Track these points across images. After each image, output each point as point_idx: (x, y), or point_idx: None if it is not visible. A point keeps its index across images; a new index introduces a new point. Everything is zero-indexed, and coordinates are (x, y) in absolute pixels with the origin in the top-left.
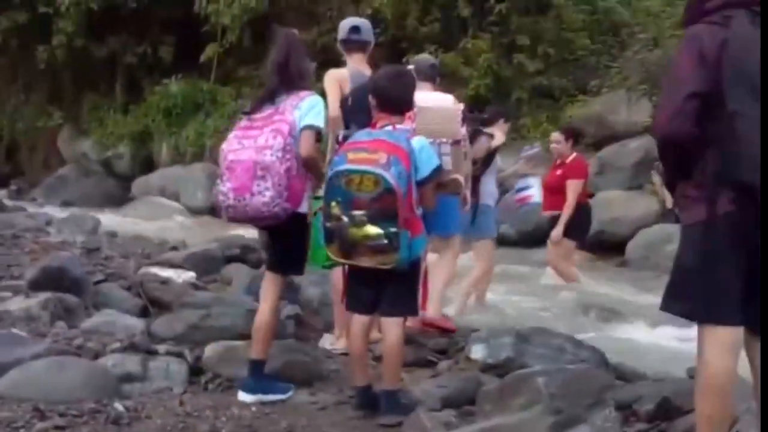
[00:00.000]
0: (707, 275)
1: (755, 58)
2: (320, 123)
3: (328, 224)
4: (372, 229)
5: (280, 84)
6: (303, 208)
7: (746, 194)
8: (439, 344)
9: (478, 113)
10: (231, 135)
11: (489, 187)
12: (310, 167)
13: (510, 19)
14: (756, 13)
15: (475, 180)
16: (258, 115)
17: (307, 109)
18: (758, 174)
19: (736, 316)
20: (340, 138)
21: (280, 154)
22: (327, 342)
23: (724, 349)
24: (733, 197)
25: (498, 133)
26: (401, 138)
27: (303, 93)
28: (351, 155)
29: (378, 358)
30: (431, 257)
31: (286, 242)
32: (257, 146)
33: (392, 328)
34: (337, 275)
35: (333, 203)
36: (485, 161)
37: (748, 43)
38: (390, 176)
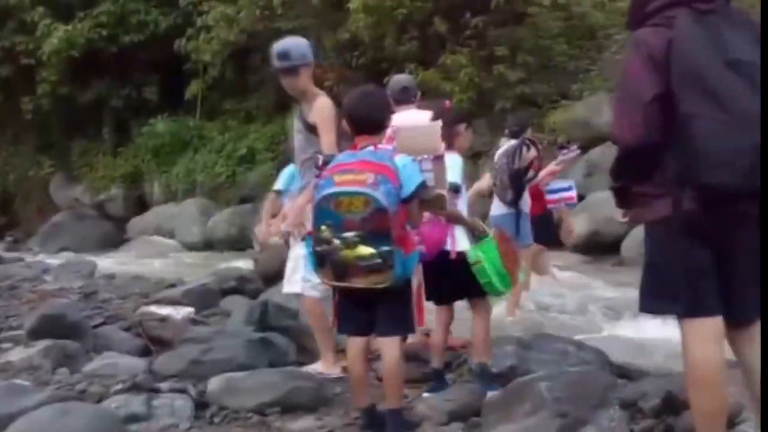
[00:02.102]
0: (679, 269)
1: (702, 56)
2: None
3: (318, 248)
4: (365, 249)
5: None
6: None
7: (708, 194)
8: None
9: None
10: None
11: (525, 195)
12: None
13: (487, 31)
14: (699, 11)
15: (521, 189)
16: None
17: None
18: (719, 172)
19: (715, 307)
20: (320, 162)
21: None
22: (318, 368)
23: (708, 340)
24: (695, 196)
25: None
26: (385, 157)
27: None
28: (337, 177)
29: (381, 378)
30: None
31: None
32: None
33: (390, 347)
34: (309, 302)
35: (323, 227)
36: (527, 170)
37: (693, 42)
38: (379, 195)
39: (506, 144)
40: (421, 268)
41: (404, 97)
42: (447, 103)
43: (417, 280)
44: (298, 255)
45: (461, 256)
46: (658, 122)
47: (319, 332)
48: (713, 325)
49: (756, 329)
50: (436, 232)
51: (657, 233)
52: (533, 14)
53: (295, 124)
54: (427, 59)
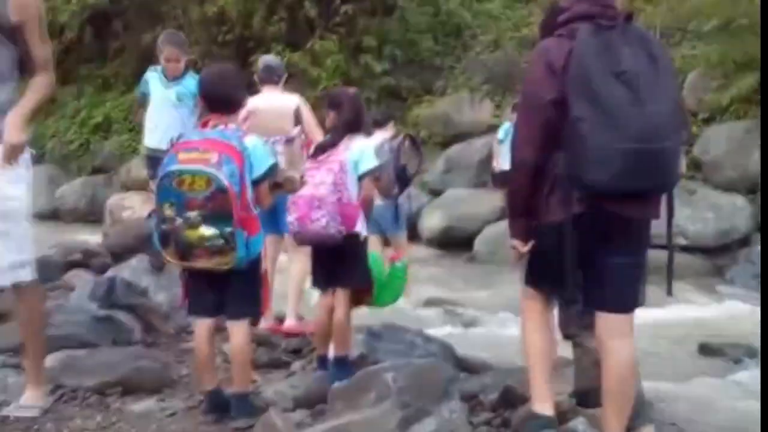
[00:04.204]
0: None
1: (597, 66)
2: (373, 165)
3: (163, 227)
4: (207, 230)
5: (344, 135)
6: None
7: (593, 193)
8: (292, 345)
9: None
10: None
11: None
12: (368, 205)
13: (356, 20)
14: (600, 26)
15: (407, 184)
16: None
17: (359, 155)
18: (596, 170)
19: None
20: (174, 140)
21: (332, 188)
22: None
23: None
24: (582, 197)
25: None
26: (233, 137)
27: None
28: (182, 155)
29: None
30: (282, 258)
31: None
32: (315, 183)
33: (238, 330)
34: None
35: (166, 205)
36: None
37: (588, 53)
38: (222, 175)
39: (382, 140)
40: (312, 250)
41: (268, 77)
42: (351, 90)
43: (265, 264)
44: None
45: (358, 238)
46: (555, 124)
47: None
48: (539, 303)
49: (618, 321)
50: (352, 210)
51: (546, 234)
52: (403, 7)
53: None
54: (296, 42)
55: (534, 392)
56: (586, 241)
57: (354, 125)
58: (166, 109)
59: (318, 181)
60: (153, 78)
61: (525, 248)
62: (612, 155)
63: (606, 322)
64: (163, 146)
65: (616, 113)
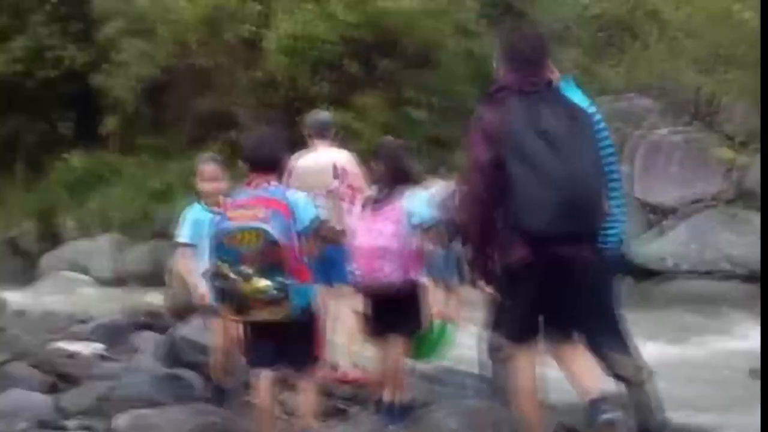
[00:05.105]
0: (511, 309)
1: (522, 128)
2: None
3: (217, 284)
4: (261, 282)
5: (393, 185)
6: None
7: (531, 238)
8: (348, 392)
9: None
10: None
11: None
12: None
13: (396, 73)
14: (524, 93)
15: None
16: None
17: (413, 205)
18: (531, 218)
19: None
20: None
21: (393, 238)
22: None
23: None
24: (523, 242)
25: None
26: (278, 192)
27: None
28: (230, 213)
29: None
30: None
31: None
32: (373, 234)
33: (308, 386)
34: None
35: (220, 262)
36: None
37: (515, 117)
38: (272, 228)
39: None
40: (371, 299)
41: (320, 132)
42: (396, 141)
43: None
44: None
45: (417, 286)
46: (494, 180)
47: None
48: (528, 351)
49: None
50: (411, 258)
51: (502, 279)
52: (442, 57)
53: None
54: (340, 99)
55: None
56: (539, 282)
57: (401, 176)
58: None
59: (377, 232)
60: (199, 213)
61: (490, 288)
62: (541, 205)
63: (566, 350)
64: None
65: (541, 169)
